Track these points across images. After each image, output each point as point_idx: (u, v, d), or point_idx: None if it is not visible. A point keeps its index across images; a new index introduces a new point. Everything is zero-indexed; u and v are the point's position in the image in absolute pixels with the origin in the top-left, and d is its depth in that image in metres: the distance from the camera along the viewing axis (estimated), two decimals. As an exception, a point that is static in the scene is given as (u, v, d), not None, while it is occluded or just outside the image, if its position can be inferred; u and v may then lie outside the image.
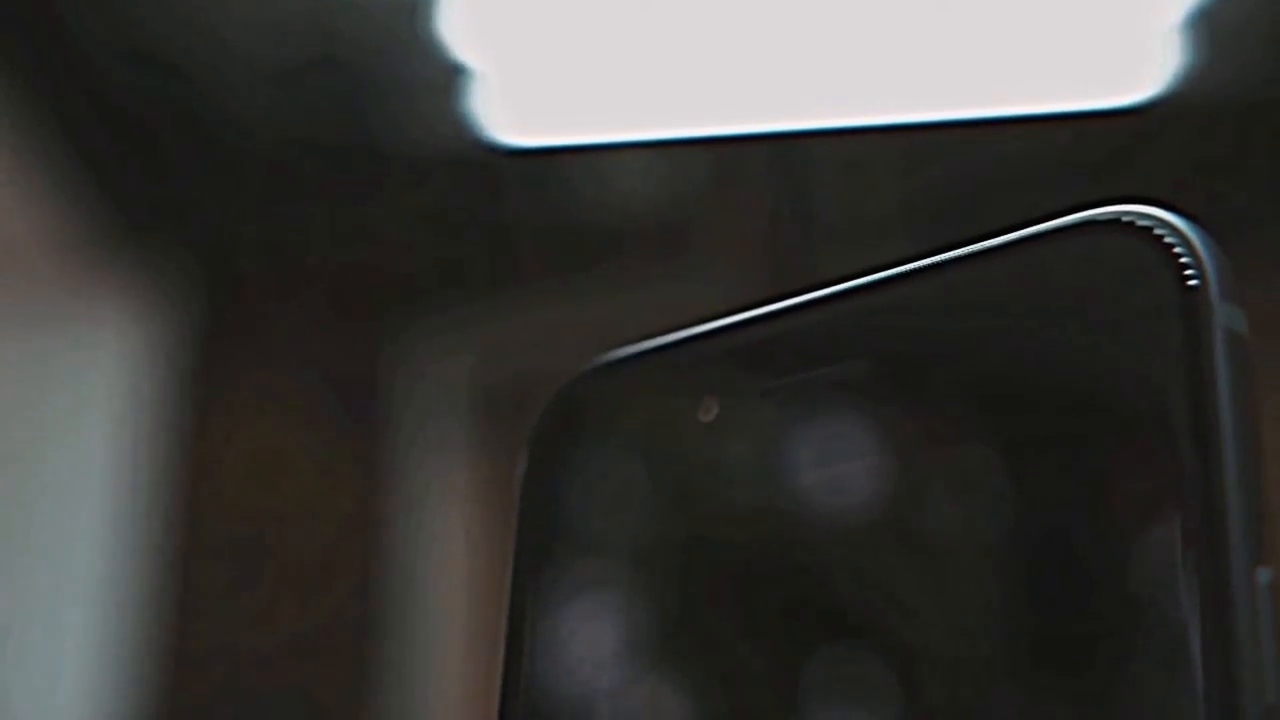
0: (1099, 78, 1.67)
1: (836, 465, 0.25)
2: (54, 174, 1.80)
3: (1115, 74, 1.67)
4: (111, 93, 1.77)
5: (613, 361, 0.28)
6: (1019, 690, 0.22)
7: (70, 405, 1.90)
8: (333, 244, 1.96)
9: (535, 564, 0.27)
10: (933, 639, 0.23)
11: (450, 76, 1.72)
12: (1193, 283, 0.22)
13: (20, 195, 1.79)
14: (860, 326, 0.25)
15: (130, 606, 1.85)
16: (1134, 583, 0.21)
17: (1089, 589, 0.22)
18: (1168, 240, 0.22)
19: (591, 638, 0.26)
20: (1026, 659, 0.22)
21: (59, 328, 1.91)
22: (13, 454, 1.83)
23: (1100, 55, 1.65)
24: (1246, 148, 1.77)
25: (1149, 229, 0.22)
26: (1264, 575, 0.20)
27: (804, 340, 0.26)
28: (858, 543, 0.25)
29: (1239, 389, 0.21)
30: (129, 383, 1.94)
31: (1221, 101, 1.72)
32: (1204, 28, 1.62)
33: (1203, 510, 0.20)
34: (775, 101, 1.73)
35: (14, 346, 1.85)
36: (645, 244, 1.89)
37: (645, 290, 1.86)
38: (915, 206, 1.83)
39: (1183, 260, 0.22)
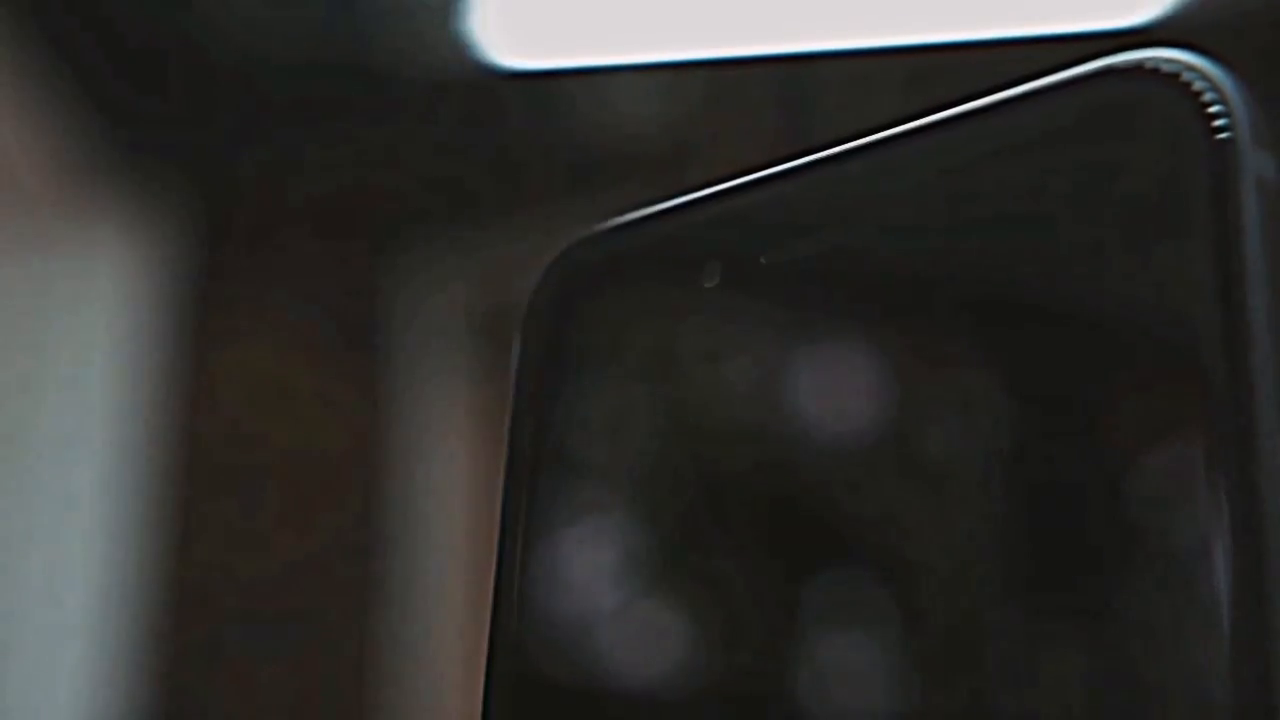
0: (1103, -2, 1.66)
1: (842, 338, 0.24)
2: (50, 98, 1.79)
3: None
4: (108, 14, 1.76)
5: (611, 228, 0.27)
6: (1024, 605, 0.21)
7: (68, 332, 1.89)
8: (330, 169, 1.95)
9: (531, 441, 0.26)
10: (938, 550, 0.22)
11: (447, -3, 1.70)
12: (1223, 134, 0.20)
13: (17, 119, 1.78)
14: (864, 188, 0.24)
15: (130, 534, 1.85)
16: (1158, 452, 0.20)
17: (1117, 458, 0.21)
18: (1196, 86, 0.21)
19: (586, 539, 0.25)
20: (1036, 554, 0.21)
21: (56, 253, 1.89)
22: (10, 381, 1.82)
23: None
24: (1248, 71, 1.75)
25: (1175, 75, 0.21)
26: None
27: (807, 205, 0.25)
28: (862, 417, 0.24)
29: (1270, 242, 0.20)
30: (127, 309, 1.93)
31: (1224, 23, 1.70)
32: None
33: (1229, 368, 0.19)
34: (777, 23, 1.71)
35: (11, 272, 1.84)
36: (646, 167, 1.87)
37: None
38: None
39: (1212, 109, 0.21)
